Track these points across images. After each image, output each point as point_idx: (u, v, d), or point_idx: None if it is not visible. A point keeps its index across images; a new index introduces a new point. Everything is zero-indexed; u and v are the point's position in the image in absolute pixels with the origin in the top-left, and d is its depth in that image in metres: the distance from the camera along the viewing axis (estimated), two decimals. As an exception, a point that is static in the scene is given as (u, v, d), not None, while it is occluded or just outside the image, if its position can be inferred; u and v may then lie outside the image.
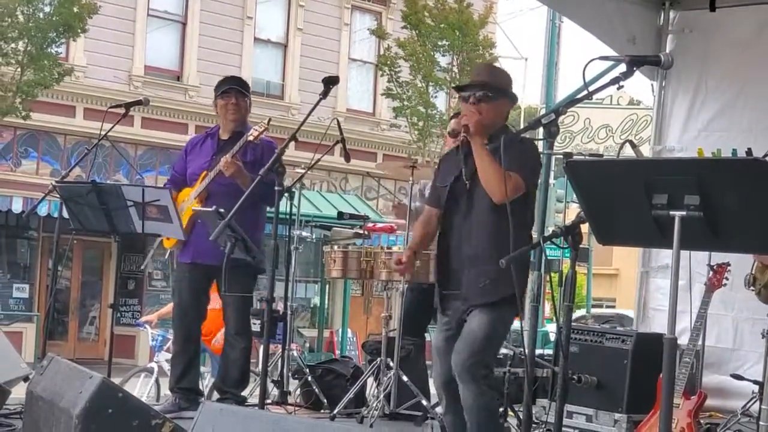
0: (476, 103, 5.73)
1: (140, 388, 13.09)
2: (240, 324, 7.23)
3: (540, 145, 6.36)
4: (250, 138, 7.10)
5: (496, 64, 26.93)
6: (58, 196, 7.25)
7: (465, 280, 5.65)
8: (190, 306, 7.41)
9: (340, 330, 25.24)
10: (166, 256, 7.84)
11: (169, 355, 14.05)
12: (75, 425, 4.82)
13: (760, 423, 6.18)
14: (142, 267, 19.30)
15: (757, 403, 6.64)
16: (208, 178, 7.18)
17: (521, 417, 6.28)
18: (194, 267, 7.33)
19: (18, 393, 6.56)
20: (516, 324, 6.29)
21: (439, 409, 7.30)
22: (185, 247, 7.34)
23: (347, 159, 8.00)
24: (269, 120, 7.34)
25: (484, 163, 5.52)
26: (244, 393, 7.52)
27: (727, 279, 6.50)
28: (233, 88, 7.43)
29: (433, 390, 7.78)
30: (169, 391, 7.78)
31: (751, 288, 6.71)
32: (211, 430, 4.59)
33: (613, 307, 37.70)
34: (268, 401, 7.49)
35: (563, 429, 5.33)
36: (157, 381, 13.71)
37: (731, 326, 8.59)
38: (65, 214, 7.23)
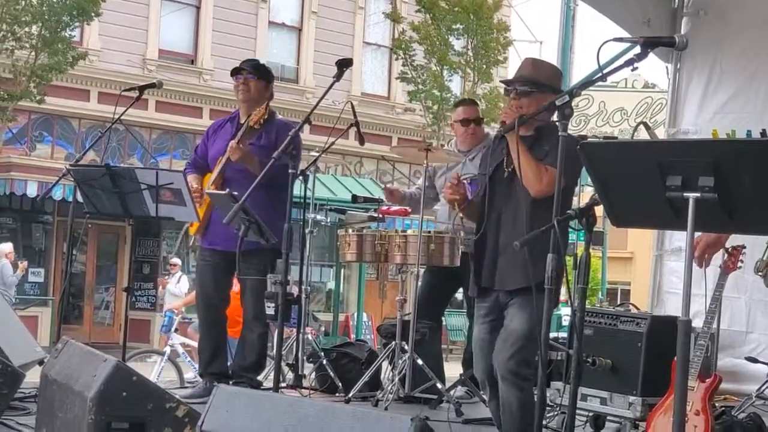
0: (517, 97, 5.69)
1: (154, 372, 13.13)
2: (259, 308, 7.22)
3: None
4: (251, 123, 7.11)
5: (510, 49, 26.95)
6: (72, 179, 7.26)
7: (501, 267, 5.62)
8: (213, 291, 7.41)
9: (355, 314, 25.28)
10: (191, 243, 7.82)
11: (182, 339, 14.19)
12: (89, 408, 4.83)
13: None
14: (172, 254, 19.42)
15: (772, 385, 6.64)
16: (222, 164, 7.19)
17: (536, 400, 6.28)
18: (214, 253, 7.34)
19: (32, 377, 6.57)
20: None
21: (455, 392, 7.33)
22: (205, 232, 7.36)
23: (361, 142, 7.98)
24: (267, 104, 7.31)
25: (523, 160, 5.50)
26: (260, 378, 7.53)
27: (742, 262, 6.46)
28: (243, 70, 7.43)
29: (448, 373, 7.82)
30: (198, 376, 7.81)
31: (759, 273, 6.69)
32: (226, 413, 4.60)
33: (628, 291, 37.66)
34: (283, 385, 7.50)
35: (577, 411, 5.33)
36: (176, 365, 13.75)
37: (744, 309, 8.58)
38: (80, 198, 7.23)
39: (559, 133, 4.95)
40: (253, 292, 7.16)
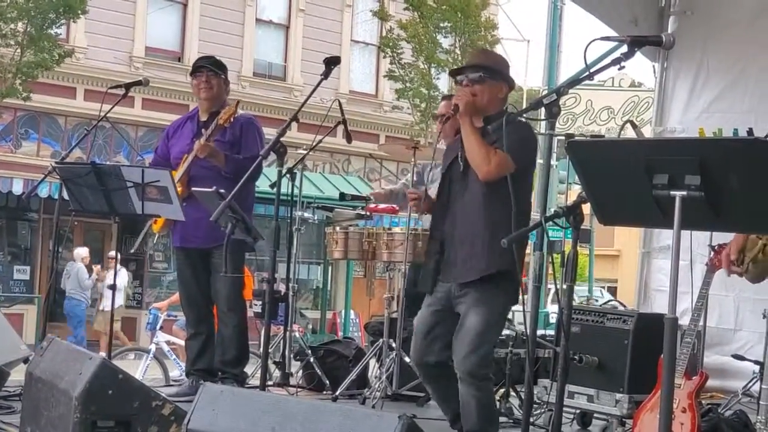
0: (470, 84, 5.69)
1: (139, 370, 13.07)
2: (232, 300, 7.24)
3: (542, 125, 6.33)
4: (220, 122, 7.12)
5: (498, 47, 26.97)
6: (58, 177, 7.24)
7: (455, 261, 5.62)
8: (195, 288, 7.43)
9: (343, 311, 25.26)
10: (155, 240, 7.83)
11: (168, 337, 14.15)
12: (75, 406, 4.81)
13: (761, 403, 6.18)
14: (132, 251, 19.27)
15: (758, 383, 6.64)
16: (188, 162, 7.20)
17: (523, 397, 6.29)
18: (188, 251, 7.38)
19: (17, 375, 6.55)
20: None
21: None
22: (174, 231, 7.38)
23: (349, 140, 7.99)
24: (237, 102, 7.35)
25: (470, 141, 5.51)
26: (246, 369, 7.52)
27: (728, 259, 6.47)
28: (204, 67, 7.44)
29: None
30: (185, 374, 7.80)
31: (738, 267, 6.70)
32: (212, 411, 4.58)
33: (615, 289, 37.72)
34: (270, 383, 7.50)
35: (564, 409, 5.34)
36: (161, 363, 13.71)
37: (732, 307, 8.60)
38: (65, 196, 7.22)
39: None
40: (225, 285, 7.17)
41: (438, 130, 8.02)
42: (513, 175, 5.35)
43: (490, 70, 5.74)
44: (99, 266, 20.94)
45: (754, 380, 7.14)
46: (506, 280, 5.54)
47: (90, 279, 20.21)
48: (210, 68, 7.44)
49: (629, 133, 7.23)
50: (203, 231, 7.08)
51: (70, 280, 20.33)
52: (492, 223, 5.47)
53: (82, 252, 20.49)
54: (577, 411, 6.92)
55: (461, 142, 5.67)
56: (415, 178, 7.84)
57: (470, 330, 5.49)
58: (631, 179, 4.04)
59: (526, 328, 5.04)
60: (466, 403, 5.57)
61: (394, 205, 8.49)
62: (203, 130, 7.23)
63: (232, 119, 7.15)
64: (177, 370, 13.34)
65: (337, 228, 7.82)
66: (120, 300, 19.32)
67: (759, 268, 4.75)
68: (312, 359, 8.00)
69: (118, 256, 19.42)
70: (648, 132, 10.29)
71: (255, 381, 7.40)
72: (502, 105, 5.82)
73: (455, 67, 25.02)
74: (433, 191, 7.84)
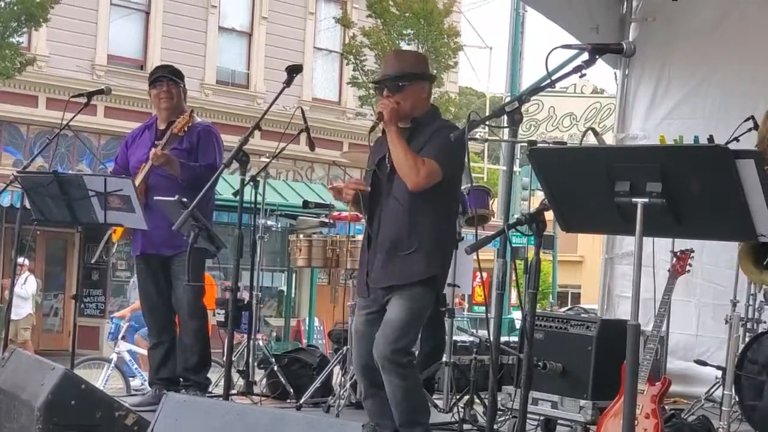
0: (390, 95, 5.69)
1: (100, 380, 12.99)
2: (192, 307, 7.23)
3: (505, 132, 6.33)
4: (175, 131, 7.11)
5: (460, 54, 27.03)
6: (20, 186, 7.20)
7: (382, 264, 5.63)
8: (155, 297, 7.41)
9: (307, 319, 25.21)
10: (115, 248, 7.81)
11: (129, 346, 14.06)
12: (37, 417, 4.79)
13: (723, 408, 6.22)
14: (93, 261, 19.15)
15: (720, 388, 6.69)
16: (145, 171, 7.18)
17: (487, 404, 6.29)
18: (148, 258, 7.36)
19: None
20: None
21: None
22: (134, 240, 7.37)
23: (312, 147, 7.98)
24: (191, 111, 7.33)
25: (397, 151, 5.52)
26: (210, 377, 7.50)
27: (690, 265, 6.51)
28: (165, 77, 7.43)
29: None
30: (147, 384, 7.76)
31: None
32: (175, 421, 4.57)
33: (579, 294, 37.89)
34: (234, 392, 7.47)
35: (528, 415, 5.34)
36: (123, 373, 13.62)
37: (694, 312, 8.65)
38: (27, 205, 7.18)
39: (509, 139, 4.97)
40: (185, 292, 7.16)
41: None
42: (440, 181, 5.41)
43: (408, 76, 5.73)
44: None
45: (717, 385, 7.18)
46: (431, 282, 5.57)
47: None
48: (170, 77, 7.42)
49: (591, 141, 7.25)
50: (162, 239, 7.06)
51: (136, 291, 19.97)
52: (415, 228, 5.50)
53: None
54: (542, 418, 6.93)
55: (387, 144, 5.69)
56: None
57: (392, 321, 5.53)
58: (593, 186, 4.07)
59: (489, 335, 5.05)
60: (393, 395, 5.55)
61: (358, 213, 8.47)
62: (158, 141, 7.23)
63: (186, 128, 7.15)
64: (139, 379, 13.27)
65: (301, 236, 7.82)
66: (29, 308, 19.21)
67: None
68: (276, 367, 7.98)
69: (26, 263, 19.29)
70: (610, 139, 10.34)
71: (219, 390, 7.37)
72: (428, 101, 5.85)
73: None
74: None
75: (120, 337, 14.20)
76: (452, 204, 5.79)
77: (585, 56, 4.66)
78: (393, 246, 5.59)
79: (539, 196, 20.91)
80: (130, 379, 13.42)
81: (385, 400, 5.69)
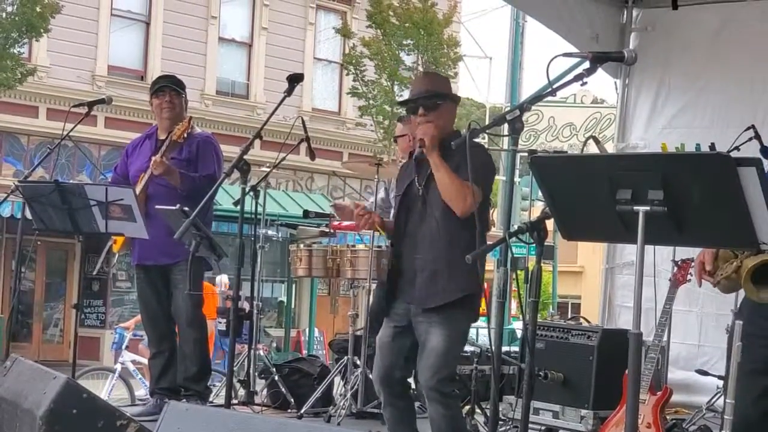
0: (426, 114, 5.66)
1: (104, 390, 13.00)
2: (191, 316, 7.23)
3: (505, 142, 6.34)
4: (174, 137, 7.12)
5: (460, 64, 27.06)
6: (20, 196, 7.21)
7: (418, 285, 5.61)
8: (155, 306, 7.41)
9: (307, 329, 25.20)
10: (116, 259, 7.82)
11: (133, 356, 14.07)
12: (39, 426, 4.78)
13: (725, 417, 6.21)
14: (93, 272, 19.16)
15: (722, 398, 6.68)
16: (144, 180, 7.19)
17: (488, 414, 6.29)
18: (147, 268, 7.37)
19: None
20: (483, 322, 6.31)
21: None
22: (132, 250, 7.37)
23: (312, 157, 7.99)
24: (190, 118, 7.35)
25: (443, 177, 5.48)
26: (209, 385, 7.51)
27: (691, 275, 6.52)
28: (167, 87, 7.44)
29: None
30: (149, 394, 7.76)
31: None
32: (177, 429, 4.56)
33: (579, 305, 37.86)
34: (235, 401, 7.47)
35: (530, 425, 5.34)
36: (127, 382, 13.62)
37: (696, 322, 8.65)
38: (28, 215, 7.18)
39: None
40: (184, 301, 7.16)
41: (400, 149, 8.05)
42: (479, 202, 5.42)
43: (442, 95, 5.74)
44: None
45: (718, 395, 7.18)
46: (468, 302, 5.56)
47: None
48: (173, 87, 7.44)
49: (592, 149, 7.26)
50: (162, 248, 7.07)
51: None
52: (455, 248, 5.47)
53: (225, 279, 20.49)
54: (543, 427, 6.93)
55: (416, 166, 5.68)
56: (382, 195, 7.86)
57: (434, 350, 5.49)
58: (595, 194, 4.06)
59: (491, 345, 5.05)
60: (437, 425, 5.57)
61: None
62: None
63: (186, 134, 7.16)
64: (143, 389, 13.26)
65: (301, 245, 7.82)
66: None
67: (732, 283, 4.78)
68: (277, 377, 7.98)
69: None
70: (610, 148, 10.35)
71: (219, 400, 7.37)
72: (452, 124, 5.84)
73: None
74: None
75: (124, 347, 14.22)
76: (485, 222, 5.77)
77: (586, 65, 4.67)
78: (432, 267, 5.57)
79: (539, 206, 20.92)
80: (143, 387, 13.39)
81: (403, 411, 5.74)
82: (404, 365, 5.72)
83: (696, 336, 8.66)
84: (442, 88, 5.83)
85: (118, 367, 13.75)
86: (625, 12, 9.34)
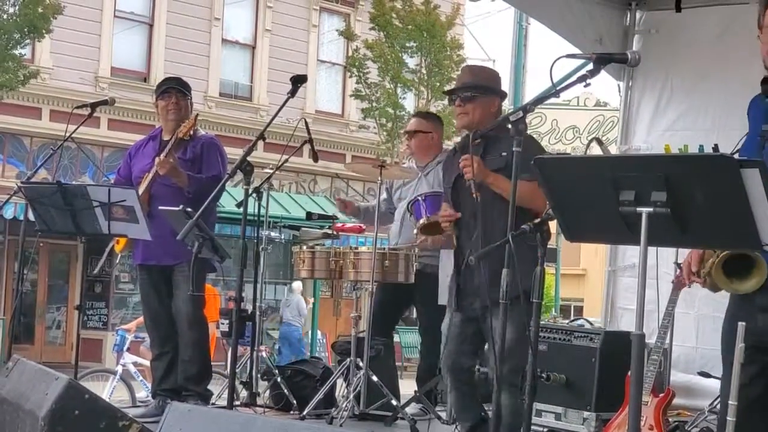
0: (462, 105, 5.86)
1: (106, 391, 13.00)
2: (192, 317, 7.23)
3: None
4: (180, 135, 7.13)
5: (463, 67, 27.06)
6: (23, 197, 7.21)
7: (489, 281, 5.62)
8: (158, 308, 7.41)
9: (310, 331, 25.20)
10: (118, 260, 7.83)
11: (135, 358, 14.08)
12: (41, 427, 4.78)
13: (728, 418, 6.20)
14: (95, 272, 19.24)
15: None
16: (148, 180, 7.19)
17: (491, 416, 6.27)
18: (150, 269, 7.37)
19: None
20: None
21: (409, 409, 7.30)
22: (135, 250, 7.37)
23: (315, 159, 8.00)
24: (196, 115, 7.37)
25: (517, 191, 5.51)
26: (212, 389, 7.50)
27: (693, 277, 6.51)
28: (173, 88, 7.45)
29: (402, 390, 7.81)
30: (151, 395, 7.76)
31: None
32: (179, 430, 4.56)
33: (581, 308, 37.84)
34: (237, 403, 7.46)
35: (532, 427, 5.34)
36: (128, 384, 13.64)
37: (693, 324, 8.63)
38: (31, 217, 7.19)
39: (514, 149, 4.94)
40: (185, 302, 7.16)
41: (404, 148, 8.07)
42: None
43: (481, 88, 5.88)
44: (312, 299, 23.84)
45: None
46: (527, 296, 5.59)
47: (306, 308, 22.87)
48: (178, 89, 7.44)
49: (595, 151, 7.26)
50: (164, 249, 7.08)
51: (289, 308, 22.73)
52: (518, 242, 5.49)
53: (298, 286, 22.71)
54: (545, 429, 6.93)
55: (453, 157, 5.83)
56: (384, 196, 7.85)
57: (505, 341, 5.51)
58: (598, 196, 4.05)
59: (493, 346, 5.05)
60: (501, 409, 5.56)
61: (361, 224, 8.50)
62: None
63: (191, 132, 7.16)
64: (144, 391, 13.27)
65: (304, 247, 7.80)
66: None
67: (711, 281, 4.79)
68: (279, 379, 7.97)
69: None
70: (613, 151, 10.33)
71: (222, 401, 7.36)
72: (496, 117, 5.92)
73: (422, 86, 25.00)
74: (400, 210, 7.87)
75: (126, 348, 14.22)
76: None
77: (590, 66, 4.68)
78: (498, 262, 5.57)
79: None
80: (144, 389, 13.41)
81: (467, 396, 5.98)
82: (471, 355, 5.93)
83: (693, 338, 8.64)
84: (484, 81, 5.98)
85: (120, 369, 13.76)
86: (629, 14, 9.32)
